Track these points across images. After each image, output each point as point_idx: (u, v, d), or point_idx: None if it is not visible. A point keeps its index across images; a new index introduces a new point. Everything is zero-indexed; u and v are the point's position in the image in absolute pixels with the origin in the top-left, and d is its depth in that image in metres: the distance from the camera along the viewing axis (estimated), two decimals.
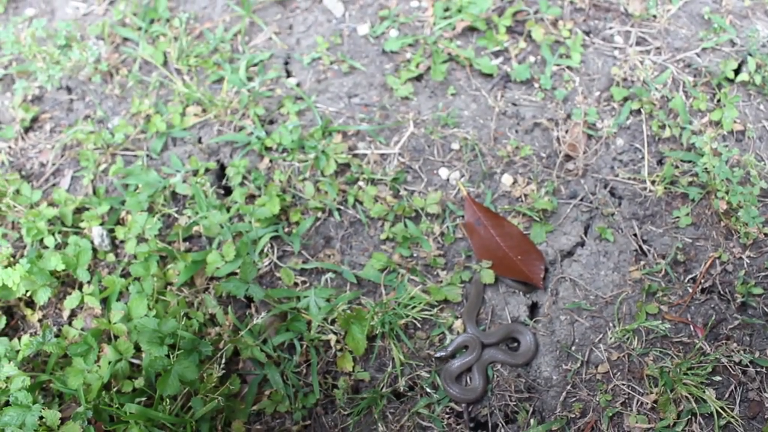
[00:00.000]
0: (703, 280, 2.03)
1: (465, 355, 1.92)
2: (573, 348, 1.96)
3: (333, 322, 1.97)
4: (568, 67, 2.39)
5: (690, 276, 2.05)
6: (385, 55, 2.44)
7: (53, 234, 2.15)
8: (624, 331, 1.95)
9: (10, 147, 2.41)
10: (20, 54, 2.47)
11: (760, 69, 2.33)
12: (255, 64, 2.44)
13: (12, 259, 2.15)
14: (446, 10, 2.49)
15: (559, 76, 2.38)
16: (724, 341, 1.94)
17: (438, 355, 1.94)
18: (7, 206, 2.21)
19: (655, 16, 2.50)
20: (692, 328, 1.97)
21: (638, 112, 2.30)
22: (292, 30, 2.52)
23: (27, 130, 2.43)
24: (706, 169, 2.14)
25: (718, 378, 1.87)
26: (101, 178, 2.29)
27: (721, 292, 2.03)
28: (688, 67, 2.40)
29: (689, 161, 2.21)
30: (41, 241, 2.15)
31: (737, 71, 2.37)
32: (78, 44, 2.44)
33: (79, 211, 2.22)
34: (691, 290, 2.02)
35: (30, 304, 2.12)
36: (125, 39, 2.55)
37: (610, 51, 2.43)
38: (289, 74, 2.44)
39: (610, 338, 1.96)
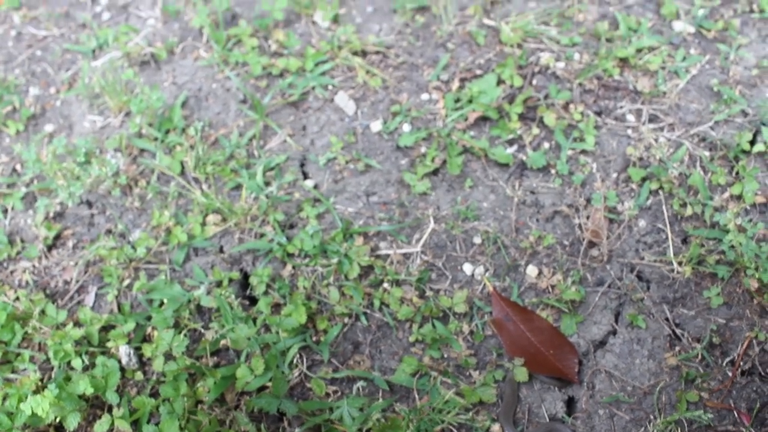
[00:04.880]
0: (741, 363, 1.99)
1: None
2: None
3: None
4: (583, 151, 2.40)
5: (728, 359, 2.01)
6: (399, 150, 2.45)
7: (80, 355, 2.14)
8: (666, 422, 1.90)
9: (34, 266, 2.42)
10: (41, 172, 2.51)
11: None
12: (271, 168, 2.46)
13: (40, 383, 2.14)
14: (457, 101, 2.52)
15: (575, 160, 2.38)
16: None
17: None
18: (33, 328, 2.21)
19: (664, 92, 2.51)
20: (737, 415, 1.92)
21: (657, 191, 2.29)
22: (306, 131, 2.55)
23: (50, 248, 2.45)
24: (732, 246, 2.12)
25: None
26: (125, 294, 2.29)
27: (762, 374, 1.98)
28: (703, 141, 2.40)
29: (714, 239, 2.19)
30: (69, 363, 2.15)
31: (752, 142, 2.37)
32: (97, 159, 2.47)
33: (105, 329, 2.22)
34: (730, 374, 1.98)
35: (59, 429, 2.10)
36: (142, 150, 2.59)
37: (623, 130, 2.44)
38: (305, 176, 2.45)
39: None
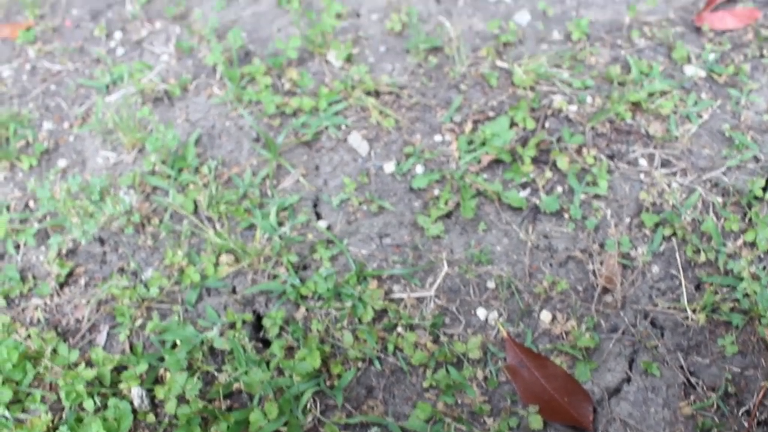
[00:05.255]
0: (757, 413, 1.99)
1: None
2: None
3: None
4: (596, 195, 2.40)
5: (743, 408, 2.00)
6: (412, 192, 2.46)
7: (92, 396, 2.13)
8: None
9: (45, 303, 2.42)
10: (55, 209, 2.51)
11: None
12: (285, 208, 2.46)
13: (51, 424, 2.13)
14: (470, 143, 2.53)
15: (588, 204, 2.39)
16: None
17: None
18: (45, 368, 2.21)
19: (676, 137, 2.52)
20: None
21: (671, 237, 2.30)
22: (319, 171, 2.56)
23: (62, 285, 2.45)
24: (746, 294, 2.12)
25: None
26: (137, 334, 2.29)
27: None
28: (716, 187, 2.41)
29: (728, 286, 2.19)
30: (80, 404, 2.14)
31: (765, 188, 2.38)
32: (111, 198, 2.48)
33: (116, 369, 2.21)
34: (746, 424, 1.97)
35: None
36: (155, 188, 2.59)
37: (636, 175, 2.45)
38: (319, 216, 2.46)
39: None
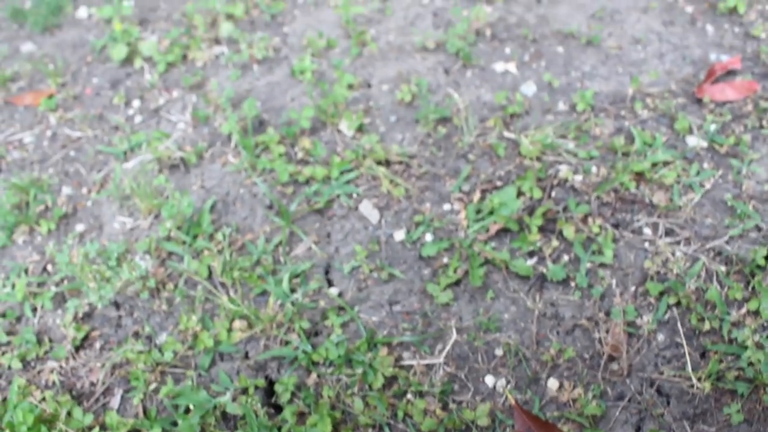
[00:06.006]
0: None
1: None
2: None
3: None
4: (602, 264, 2.46)
5: None
6: (422, 260, 2.52)
7: None
8: None
9: (61, 366, 2.46)
10: (72, 273, 2.57)
11: None
12: (297, 275, 2.52)
13: None
14: (478, 212, 2.60)
15: (594, 273, 2.44)
16: None
17: None
18: (59, 431, 2.24)
19: (680, 206, 2.58)
20: None
21: (675, 306, 2.34)
22: (331, 238, 2.62)
23: (78, 348, 2.49)
24: (750, 362, 2.16)
25: None
26: (151, 398, 2.32)
27: None
28: (719, 256, 2.46)
29: (733, 354, 2.23)
30: None
31: (767, 257, 2.42)
32: (128, 263, 2.54)
33: None
34: None
35: None
36: (170, 253, 2.66)
37: (640, 244, 2.50)
38: (330, 283, 2.51)
39: None
